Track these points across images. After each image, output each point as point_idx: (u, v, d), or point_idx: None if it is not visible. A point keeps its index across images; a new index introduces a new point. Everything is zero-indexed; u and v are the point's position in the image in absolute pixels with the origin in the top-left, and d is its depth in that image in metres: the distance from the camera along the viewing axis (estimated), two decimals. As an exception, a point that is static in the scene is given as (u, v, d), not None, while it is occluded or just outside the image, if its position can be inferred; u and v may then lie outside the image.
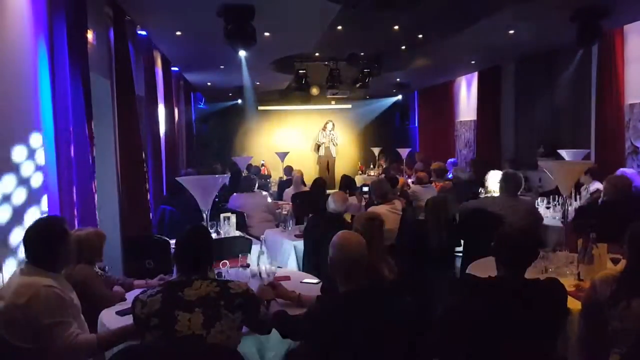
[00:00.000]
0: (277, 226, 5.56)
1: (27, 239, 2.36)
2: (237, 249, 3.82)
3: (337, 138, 14.56)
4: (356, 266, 2.31)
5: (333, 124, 14.51)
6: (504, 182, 4.71)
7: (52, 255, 2.35)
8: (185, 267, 2.28)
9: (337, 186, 8.46)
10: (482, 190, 6.06)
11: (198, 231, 2.45)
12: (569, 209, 4.72)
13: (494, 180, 5.55)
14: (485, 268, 2.93)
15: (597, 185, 5.51)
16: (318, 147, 14.49)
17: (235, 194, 6.22)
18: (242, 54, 5.67)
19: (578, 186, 5.87)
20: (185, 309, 2.11)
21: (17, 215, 2.93)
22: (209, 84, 11.84)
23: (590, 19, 5.59)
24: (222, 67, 8.93)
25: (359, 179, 9.79)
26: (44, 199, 3.29)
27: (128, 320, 2.52)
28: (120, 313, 2.76)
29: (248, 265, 3.35)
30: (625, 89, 6.51)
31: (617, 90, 6.55)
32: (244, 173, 8.71)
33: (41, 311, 2.20)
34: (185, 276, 2.24)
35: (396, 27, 7.06)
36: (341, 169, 12.50)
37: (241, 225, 5.26)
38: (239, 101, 13.91)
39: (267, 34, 6.36)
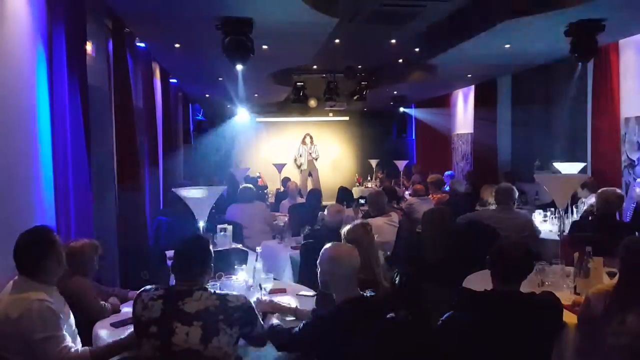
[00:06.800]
0: (274, 237, 5.55)
1: (16, 251, 2.33)
2: (233, 260, 3.81)
3: (317, 152, 14.12)
4: (352, 276, 2.31)
5: (311, 137, 14.14)
6: (499, 195, 4.76)
7: (41, 266, 2.32)
8: (183, 276, 2.27)
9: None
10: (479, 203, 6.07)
11: (197, 242, 2.44)
12: (566, 222, 4.73)
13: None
14: (481, 281, 2.93)
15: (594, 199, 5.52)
16: (299, 162, 14.13)
17: (233, 204, 6.22)
18: (240, 67, 5.69)
19: (575, 199, 5.88)
20: (184, 321, 2.11)
21: (13, 225, 2.92)
22: (207, 95, 11.88)
23: (586, 34, 5.63)
24: (220, 79, 8.98)
25: (356, 191, 9.79)
26: (40, 210, 3.29)
27: (123, 332, 2.52)
28: (115, 325, 2.75)
29: (244, 277, 3.34)
30: (621, 102, 6.55)
31: (613, 104, 6.59)
32: (242, 184, 8.71)
33: (33, 326, 2.18)
34: (185, 285, 2.23)
35: (393, 41, 7.13)
36: (338, 180, 12.50)
37: (238, 236, 5.25)
38: (237, 113, 13.94)
39: (265, 46, 6.40)
